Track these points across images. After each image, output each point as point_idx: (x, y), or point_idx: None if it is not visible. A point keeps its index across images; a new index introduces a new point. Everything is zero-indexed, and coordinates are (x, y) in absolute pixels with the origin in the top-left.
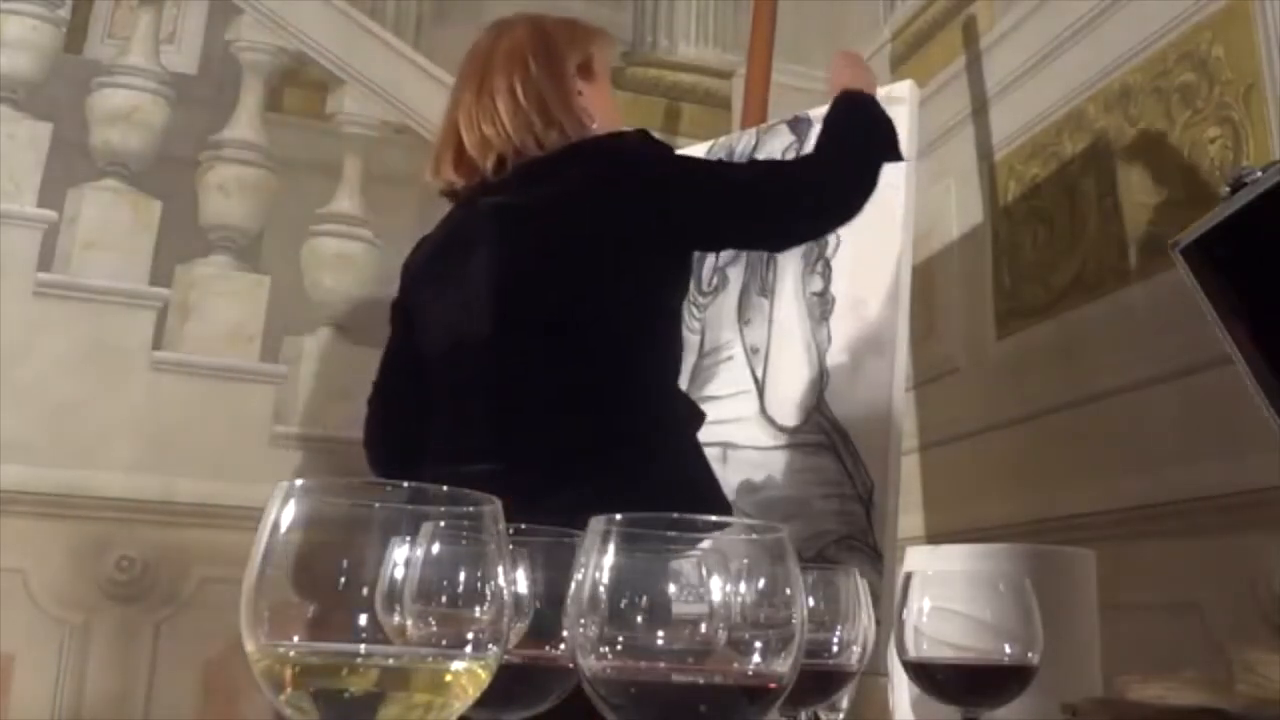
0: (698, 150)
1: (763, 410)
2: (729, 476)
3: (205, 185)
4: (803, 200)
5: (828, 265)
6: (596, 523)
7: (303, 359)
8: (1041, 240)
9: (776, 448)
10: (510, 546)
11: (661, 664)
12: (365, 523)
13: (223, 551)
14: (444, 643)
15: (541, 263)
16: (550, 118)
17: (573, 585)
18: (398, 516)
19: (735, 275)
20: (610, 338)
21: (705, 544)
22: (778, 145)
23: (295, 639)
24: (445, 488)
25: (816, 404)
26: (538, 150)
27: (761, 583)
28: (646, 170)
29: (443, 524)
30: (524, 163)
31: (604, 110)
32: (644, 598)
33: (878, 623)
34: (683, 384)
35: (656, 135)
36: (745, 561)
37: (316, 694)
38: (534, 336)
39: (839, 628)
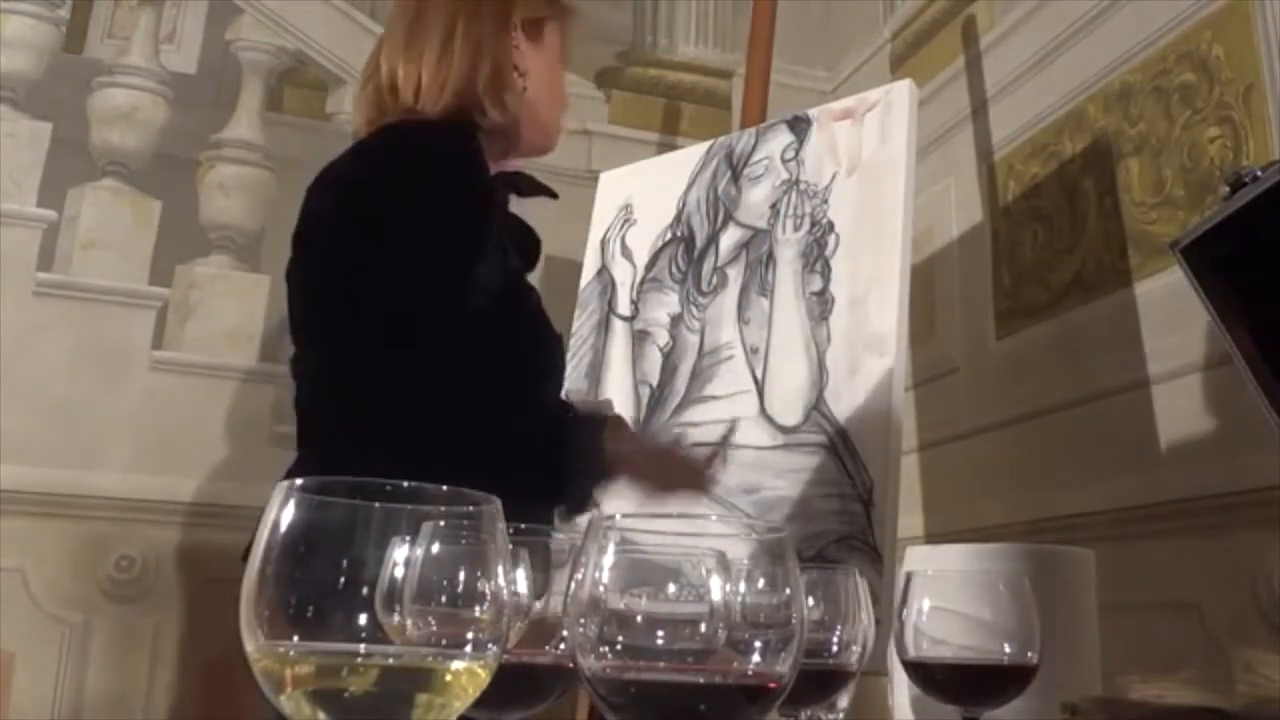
0: (697, 151)
1: (762, 410)
2: (728, 476)
3: (205, 185)
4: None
5: (827, 265)
6: (596, 521)
7: None
8: (1041, 240)
9: (776, 447)
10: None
11: (661, 664)
12: (365, 523)
13: (223, 551)
14: (444, 642)
15: None
16: (475, 70)
17: (572, 585)
18: (398, 516)
19: (734, 275)
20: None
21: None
22: (777, 145)
23: (295, 639)
24: (445, 487)
25: (816, 404)
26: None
27: (761, 583)
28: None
29: (443, 524)
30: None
31: (543, 79)
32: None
33: (878, 623)
34: (682, 384)
35: (655, 136)
36: (745, 561)
37: (316, 694)
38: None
39: (839, 628)
